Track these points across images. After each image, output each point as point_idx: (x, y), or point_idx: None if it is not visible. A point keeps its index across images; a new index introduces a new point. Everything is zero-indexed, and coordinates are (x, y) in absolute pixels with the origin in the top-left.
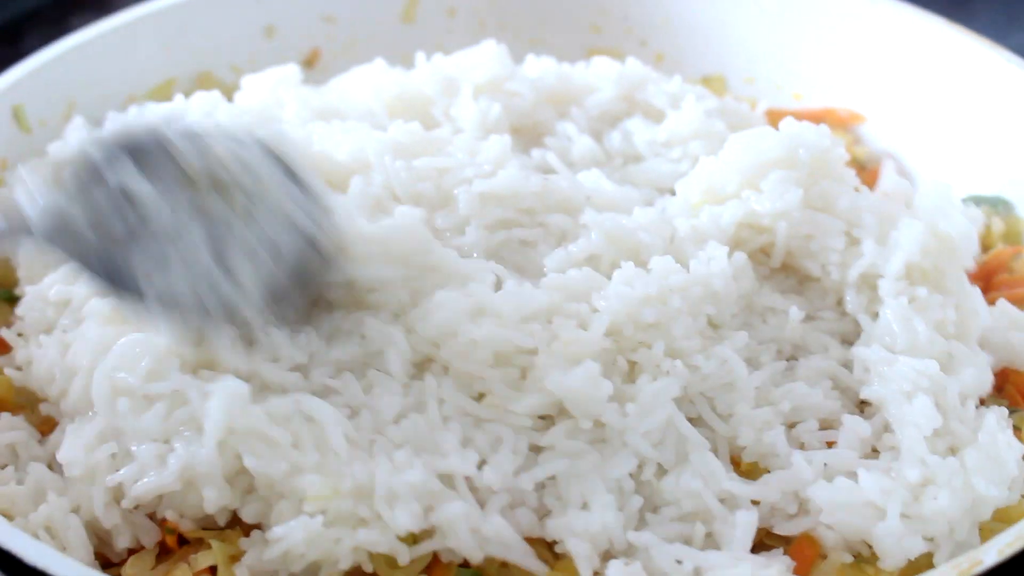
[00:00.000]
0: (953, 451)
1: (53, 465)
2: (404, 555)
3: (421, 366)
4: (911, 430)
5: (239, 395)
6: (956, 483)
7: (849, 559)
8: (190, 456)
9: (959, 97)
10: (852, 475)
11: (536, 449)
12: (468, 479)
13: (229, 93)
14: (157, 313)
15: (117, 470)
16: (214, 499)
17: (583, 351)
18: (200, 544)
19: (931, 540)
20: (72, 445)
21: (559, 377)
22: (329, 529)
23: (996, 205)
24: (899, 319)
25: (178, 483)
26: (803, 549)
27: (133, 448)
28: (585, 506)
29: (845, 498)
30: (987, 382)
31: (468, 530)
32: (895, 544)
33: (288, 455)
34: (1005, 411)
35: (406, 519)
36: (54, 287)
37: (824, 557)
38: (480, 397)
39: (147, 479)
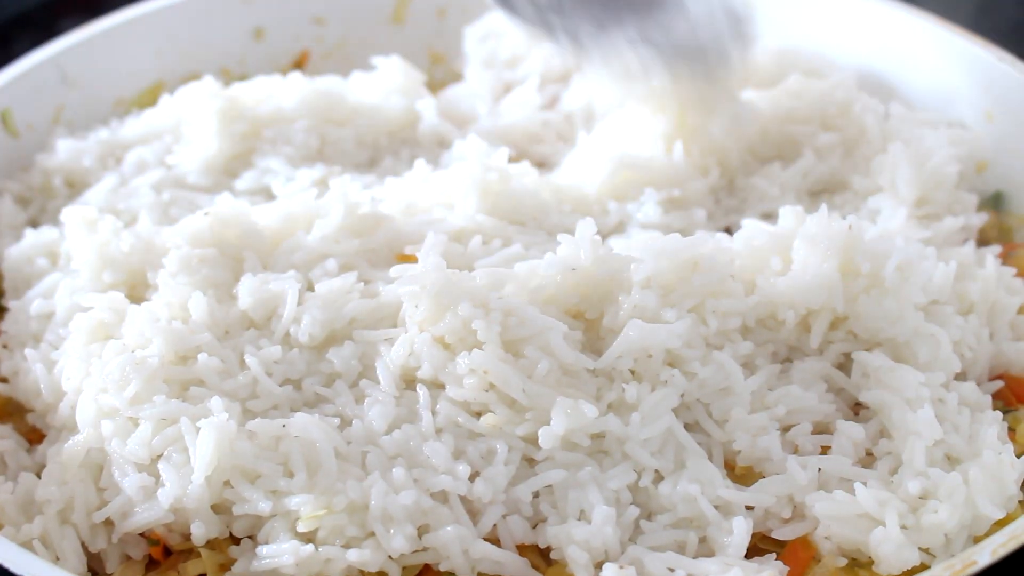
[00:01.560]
0: (951, 461)
1: (42, 474)
2: (395, 572)
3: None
4: (913, 440)
5: (227, 430)
6: (957, 498)
7: (843, 562)
8: (179, 490)
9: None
10: (846, 481)
11: (531, 461)
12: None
13: None
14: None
15: (104, 501)
16: (202, 534)
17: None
18: (189, 552)
19: (927, 551)
20: (50, 478)
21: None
22: (320, 550)
23: (993, 200)
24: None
25: (168, 516)
26: (797, 553)
27: (118, 479)
28: (583, 516)
29: (842, 511)
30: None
31: (460, 551)
32: (893, 553)
33: (276, 484)
34: (1005, 424)
35: (401, 542)
36: (35, 301)
37: (818, 560)
38: (477, 414)
39: (136, 516)
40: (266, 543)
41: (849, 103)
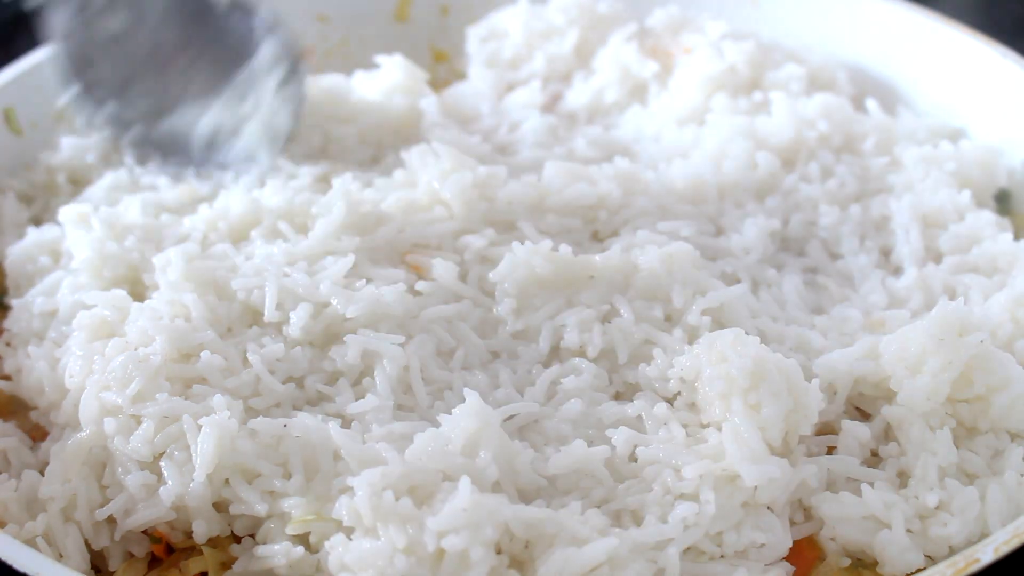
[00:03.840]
0: (968, 476)
1: (45, 471)
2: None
3: None
4: (927, 457)
5: (229, 428)
6: (969, 514)
7: (847, 562)
8: (181, 488)
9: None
10: (853, 481)
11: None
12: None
13: None
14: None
15: (107, 498)
16: (203, 531)
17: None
18: (192, 549)
19: (929, 557)
20: (53, 476)
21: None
22: (313, 555)
23: (998, 198)
24: None
25: (170, 514)
26: (803, 553)
27: (121, 477)
28: None
29: (849, 512)
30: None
31: None
32: (897, 555)
33: (273, 485)
34: None
35: (402, 539)
36: (38, 299)
37: (823, 559)
38: None
39: (139, 514)
40: (264, 543)
41: (854, 118)
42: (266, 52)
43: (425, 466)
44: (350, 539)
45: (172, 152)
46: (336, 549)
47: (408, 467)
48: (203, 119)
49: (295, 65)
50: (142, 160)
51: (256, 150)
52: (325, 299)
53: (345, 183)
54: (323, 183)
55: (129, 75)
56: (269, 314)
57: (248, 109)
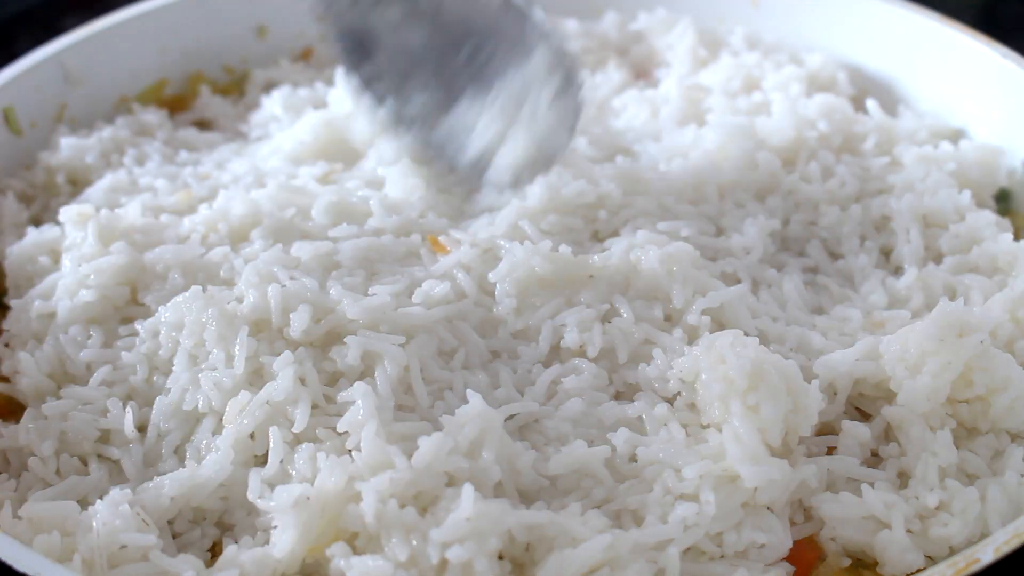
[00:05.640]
0: (969, 477)
1: None
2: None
3: None
4: (927, 457)
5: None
6: (970, 515)
7: (847, 563)
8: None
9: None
10: (853, 481)
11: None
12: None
13: (222, 93)
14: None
15: None
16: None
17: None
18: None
19: (929, 558)
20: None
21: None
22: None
23: (999, 198)
24: None
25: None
26: (803, 553)
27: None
28: None
29: (849, 512)
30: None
31: None
32: (898, 556)
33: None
34: None
35: (404, 551)
36: (37, 300)
37: (823, 559)
38: None
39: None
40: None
41: (854, 118)
42: (540, 59)
43: (430, 470)
44: (353, 543)
45: (445, 157)
46: (337, 560)
47: (415, 473)
48: (479, 125)
49: (571, 75)
50: (420, 162)
51: (521, 169)
52: (326, 300)
53: (345, 182)
54: (323, 183)
55: (406, 70)
56: (276, 318)
57: (521, 121)
